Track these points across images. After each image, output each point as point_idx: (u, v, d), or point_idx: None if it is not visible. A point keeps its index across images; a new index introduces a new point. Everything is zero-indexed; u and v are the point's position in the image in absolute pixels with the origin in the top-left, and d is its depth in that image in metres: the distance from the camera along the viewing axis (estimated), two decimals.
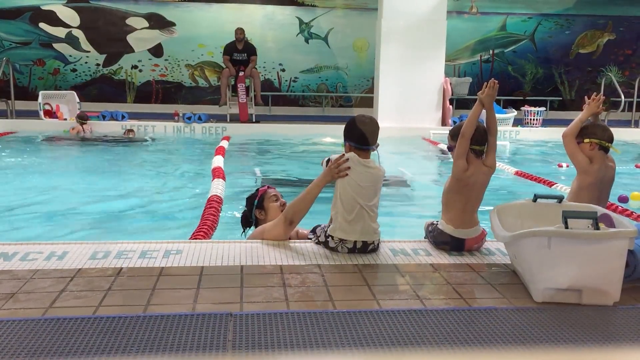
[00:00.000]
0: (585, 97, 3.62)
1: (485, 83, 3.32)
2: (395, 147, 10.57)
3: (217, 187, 5.45)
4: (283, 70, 15.02)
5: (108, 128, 11.18)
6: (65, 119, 11.42)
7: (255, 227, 3.77)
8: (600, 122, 3.66)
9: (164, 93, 14.77)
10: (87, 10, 14.27)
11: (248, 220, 3.85)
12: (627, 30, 15.86)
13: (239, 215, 5.00)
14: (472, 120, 3.26)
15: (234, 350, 2.08)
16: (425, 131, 11.20)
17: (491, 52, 15.63)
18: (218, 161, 7.31)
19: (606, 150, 3.48)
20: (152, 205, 5.64)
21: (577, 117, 3.57)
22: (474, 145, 3.26)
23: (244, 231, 3.87)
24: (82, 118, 10.93)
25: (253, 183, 6.64)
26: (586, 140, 3.46)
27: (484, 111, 3.37)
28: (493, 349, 2.14)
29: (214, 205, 4.66)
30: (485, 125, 3.34)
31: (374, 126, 3.39)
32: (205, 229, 3.96)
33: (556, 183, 6.18)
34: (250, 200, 3.84)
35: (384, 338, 2.18)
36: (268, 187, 3.89)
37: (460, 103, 13.93)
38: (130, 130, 10.90)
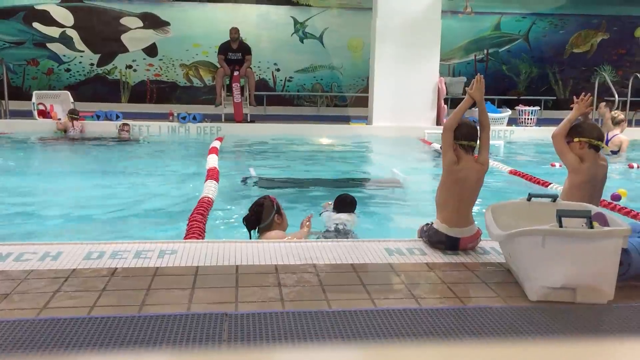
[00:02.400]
0: (574, 97, 3.64)
1: (474, 79, 3.40)
2: (389, 146, 10.60)
3: (209, 188, 5.44)
4: (278, 69, 15.02)
5: (102, 128, 11.14)
6: (60, 119, 11.37)
7: (262, 231, 3.91)
8: (590, 121, 3.67)
9: (158, 93, 14.74)
10: (81, 10, 14.22)
11: (256, 224, 3.94)
12: (621, 30, 15.93)
13: (234, 215, 5.01)
14: (456, 114, 3.34)
15: (229, 350, 2.08)
16: (420, 131, 11.22)
17: (485, 51, 15.66)
18: (212, 161, 7.30)
19: (596, 148, 3.48)
20: (147, 205, 5.63)
21: (566, 117, 3.59)
22: (462, 140, 3.30)
23: (251, 232, 3.94)
24: (73, 113, 10.88)
25: (248, 183, 6.64)
26: (575, 139, 3.47)
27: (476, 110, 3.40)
28: (486, 346, 2.15)
29: (203, 206, 4.67)
30: (478, 122, 3.39)
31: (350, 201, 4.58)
32: (197, 232, 3.94)
33: (551, 183, 6.20)
34: (270, 205, 3.95)
35: (378, 336, 2.18)
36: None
37: (455, 102, 13.92)
38: (126, 124, 10.82)
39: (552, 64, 15.87)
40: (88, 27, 14.25)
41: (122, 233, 4.63)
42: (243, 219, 3.98)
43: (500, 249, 3.13)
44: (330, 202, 4.70)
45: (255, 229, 3.94)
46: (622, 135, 8.84)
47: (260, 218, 3.90)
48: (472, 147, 3.35)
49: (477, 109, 3.45)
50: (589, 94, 3.68)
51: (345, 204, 4.53)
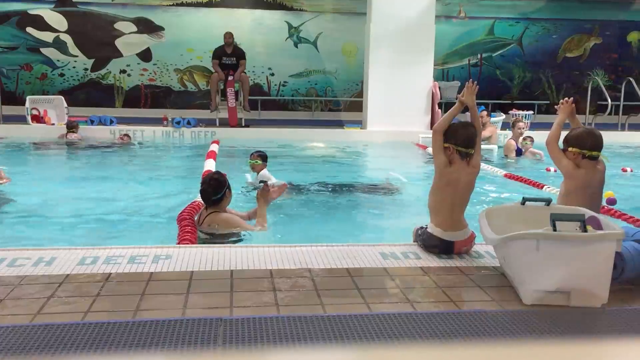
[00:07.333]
0: (562, 101, 3.67)
1: (467, 83, 3.44)
2: (384, 151, 10.61)
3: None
4: (272, 74, 15.03)
5: (96, 133, 11.10)
6: (53, 124, 11.33)
7: (213, 204, 4.36)
8: (590, 129, 3.59)
9: (152, 97, 14.73)
10: (75, 15, 14.20)
11: (211, 196, 4.38)
12: (613, 34, 16.03)
13: None
14: (447, 118, 3.38)
15: (224, 355, 2.07)
16: (414, 135, 11.23)
17: (479, 56, 15.73)
18: (210, 165, 7.29)
19: (591, 158, 3.43)
20: (141, 210, 5.61)
21: (555, 122, 3.62)
22: (460, 146, 3.31)
23: (211, 202, 4.40)
24: (69, 127, 10.79)
25: (242, 188, 6.63)
26: (570, 148, 3.45)
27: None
28: (481, 349, 2.15)
29: (191, 212, 4.68)
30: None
31: None
32: (188, 238, 3.92)
33: (545, 184, 6.22)
34: (223, 180, 4.42)
35: (373, 340, 2.18)
36: None
37: (449, 107, 13.94)
38: (126, 135, 10.81)
39: (546, 68, 15.95)
40: (82, 32, 14.22)
41: (116, 238, 4.62)
42: (200, 191, 4.45)
43: (494, 253, 3.14)
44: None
45: (209, 200, 4.41)
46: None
47: (216, 191, 4.36)
48: (468, 155, 3.34)
49: (469, 113, 3.48)
50: (568, 98, 3.72)
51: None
